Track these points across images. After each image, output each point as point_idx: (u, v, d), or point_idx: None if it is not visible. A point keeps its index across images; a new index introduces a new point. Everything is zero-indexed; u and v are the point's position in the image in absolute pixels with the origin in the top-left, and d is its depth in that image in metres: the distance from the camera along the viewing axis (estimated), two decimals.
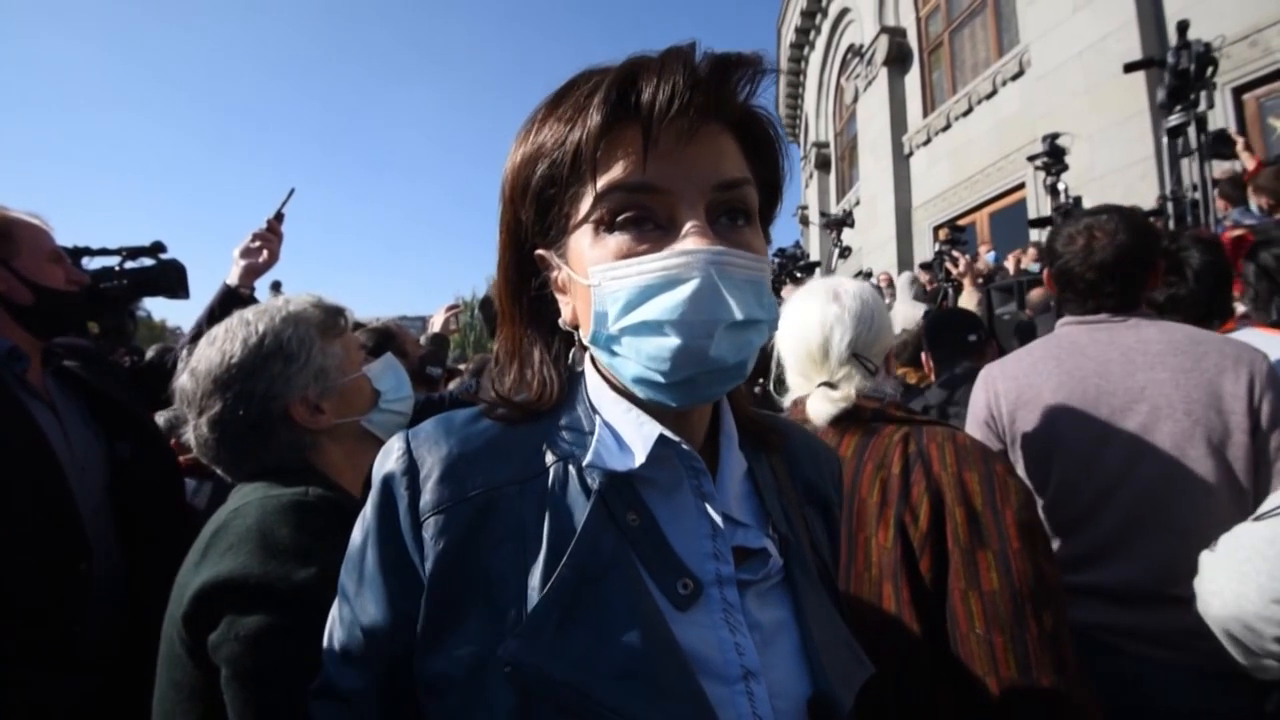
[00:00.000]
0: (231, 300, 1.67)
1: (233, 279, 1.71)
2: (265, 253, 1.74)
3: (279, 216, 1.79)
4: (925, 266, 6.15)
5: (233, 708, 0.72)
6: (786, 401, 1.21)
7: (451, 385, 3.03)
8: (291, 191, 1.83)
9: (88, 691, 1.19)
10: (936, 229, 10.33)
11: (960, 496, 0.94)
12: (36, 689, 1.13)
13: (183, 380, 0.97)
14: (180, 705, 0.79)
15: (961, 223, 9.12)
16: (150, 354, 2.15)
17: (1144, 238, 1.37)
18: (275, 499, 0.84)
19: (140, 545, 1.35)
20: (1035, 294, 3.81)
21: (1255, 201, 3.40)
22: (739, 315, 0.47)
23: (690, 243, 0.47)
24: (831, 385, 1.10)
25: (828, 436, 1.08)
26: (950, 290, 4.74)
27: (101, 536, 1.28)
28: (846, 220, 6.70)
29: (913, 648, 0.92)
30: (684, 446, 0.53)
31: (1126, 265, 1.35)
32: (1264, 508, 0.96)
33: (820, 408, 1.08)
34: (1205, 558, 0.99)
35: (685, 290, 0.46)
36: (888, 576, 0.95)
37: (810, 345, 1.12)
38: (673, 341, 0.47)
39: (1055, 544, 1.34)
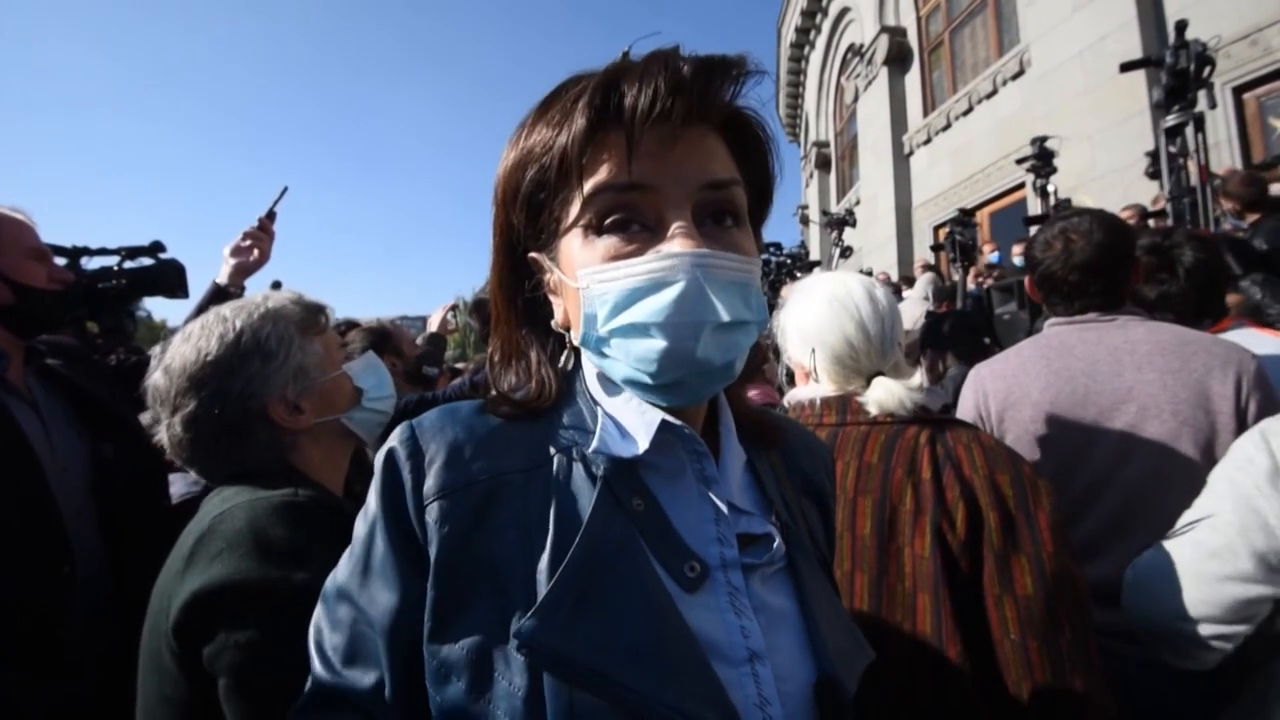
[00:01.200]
0: (221, 299, 1.65)
1: (222, 278, 1.67)
2: (256, 251, 1.70)
3: (271, 215, 1.75)
4: (936, 248, 6.10)
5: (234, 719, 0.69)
6: (804, 397, 1.11)
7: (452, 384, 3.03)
8: (284, 189, 1.79)
9: (72, 694, 1.17)
10: (937, 229, 10.32)
11: (994, 500, 0.91)
12: (18, 692, 1.11)
13: (155, 378, 0.93)
14: None
15: None
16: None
17: (1119, 234, 1.39)
18: (265, 500, 0.81)
19: (125, 547, 1.32)
20: None
21: (1225, 206, 3.40)
22: (725, 317, 0.47)
23: (676, 245, 0.47)
24: (884, 375, 1.05)
25: (852, 438, 1.03)
26: (962, 270, 4.65)
27: (84, 538, 1.26)
28: (848, 220, 6.69)
29: (953, 663, 0.88)
30: (686, 430, 0.53)
31: (1107, 262, 1.36)
32: (1179, 524, 0.99)
33: (898, 395, 1.00)
34: (1127, 576, 1.03)
35: (671, 293, 0.47)
36: (924, 588, 0.91)
37: (869, 333, 1.05)
38: (659, 344, 0.47)
39: None
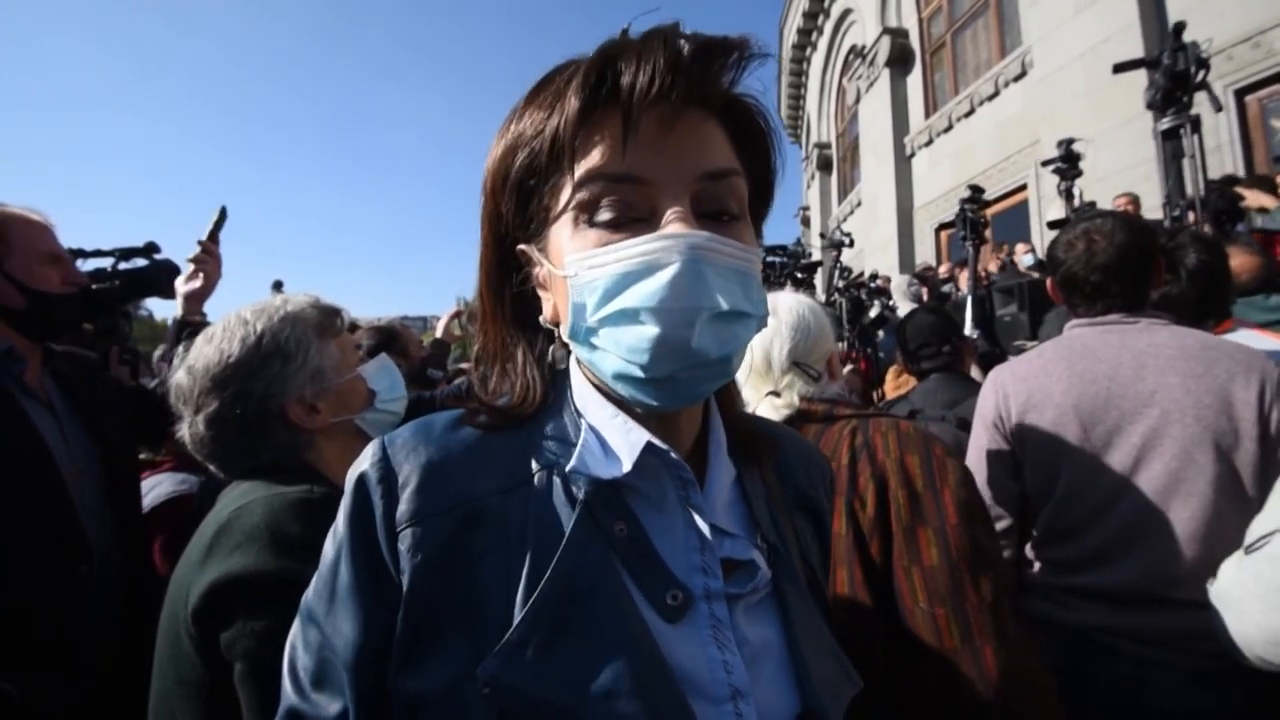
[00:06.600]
0: (187, 332, 1.66)
1: (179, 311, 1.70)
2: (201, 276, 1.73)
3: (212, 238, 1.78)
4: (945, 227, 6.02)
5: (248, 704, 0.73)
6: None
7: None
8: (222, 210, 1.81)
9: (85, 694, 1.18)
10: (938, 230, 10.33)
11: (902, 479, 0.98)
12: (34, 692, 1.11)
13: (179, 377, 0.97)
14: (188, 703, 0.79)
15: None
16: (152, 379, 2.14)
17: (1141, 235, 1.38)
18: (281, 496, 0.85)
19: (140, 548, 1.34)
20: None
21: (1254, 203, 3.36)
22: (724, 305, 0.44)
23: (672, 228, 0.45)
24: (776, 394, 1.17)
25: None
26: (973, 248, 4.57)
27: (101, 539, 1.27)
28: (843, 242, 6.66)
29: (865, 627, 0.96)
30: (672, 455, 0.50)
31: (1129, 264, 1.36)
32: (1249, 537, 0.99)
33: (768, 415, 1.13)
34: (1211, 592, 1.03)
35: (664, 276, 0.44)
36: (841, 563, 0.98)
37: (754, 360, 1.19)
38: (651, 330, 0.44)
39: (1059, 547, 1.34)
